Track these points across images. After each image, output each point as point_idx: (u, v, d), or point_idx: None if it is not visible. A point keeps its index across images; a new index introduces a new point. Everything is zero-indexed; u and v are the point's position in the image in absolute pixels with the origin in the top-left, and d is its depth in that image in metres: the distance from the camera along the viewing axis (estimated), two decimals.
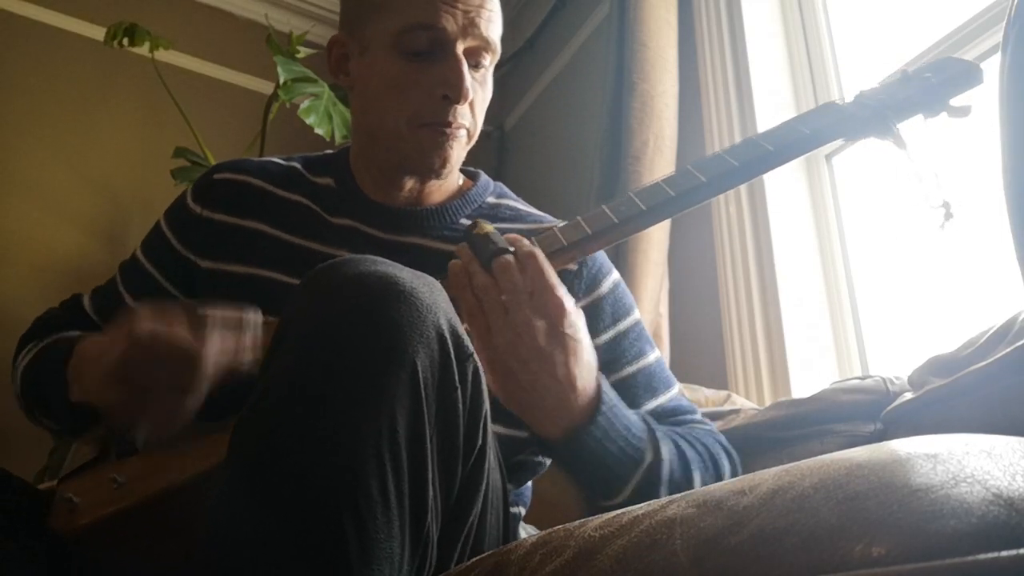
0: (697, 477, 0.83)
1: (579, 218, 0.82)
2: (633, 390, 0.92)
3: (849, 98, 0.87)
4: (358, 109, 0.95)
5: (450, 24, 0.86)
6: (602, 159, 1.88)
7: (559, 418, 0.74)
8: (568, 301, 0.74)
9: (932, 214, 0.82)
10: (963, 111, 0.84)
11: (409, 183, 0.96)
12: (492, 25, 0.90)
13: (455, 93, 0.87)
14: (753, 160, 0.82)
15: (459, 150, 0.92)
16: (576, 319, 0.74)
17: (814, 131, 0.83)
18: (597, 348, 0.91)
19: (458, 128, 0.89)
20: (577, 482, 0.79)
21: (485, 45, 0.89)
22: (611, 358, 0.93)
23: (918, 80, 0.85)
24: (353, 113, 0.98)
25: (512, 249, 0.75)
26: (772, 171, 0.84)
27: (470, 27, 0.87)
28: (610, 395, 0.78)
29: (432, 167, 0.91)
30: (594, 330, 0.91)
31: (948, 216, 0.81)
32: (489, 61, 0.92)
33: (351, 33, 0.93)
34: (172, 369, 0.71)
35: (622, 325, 0.95)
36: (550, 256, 0.78)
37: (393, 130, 0.90)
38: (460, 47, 0.87)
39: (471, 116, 0.91)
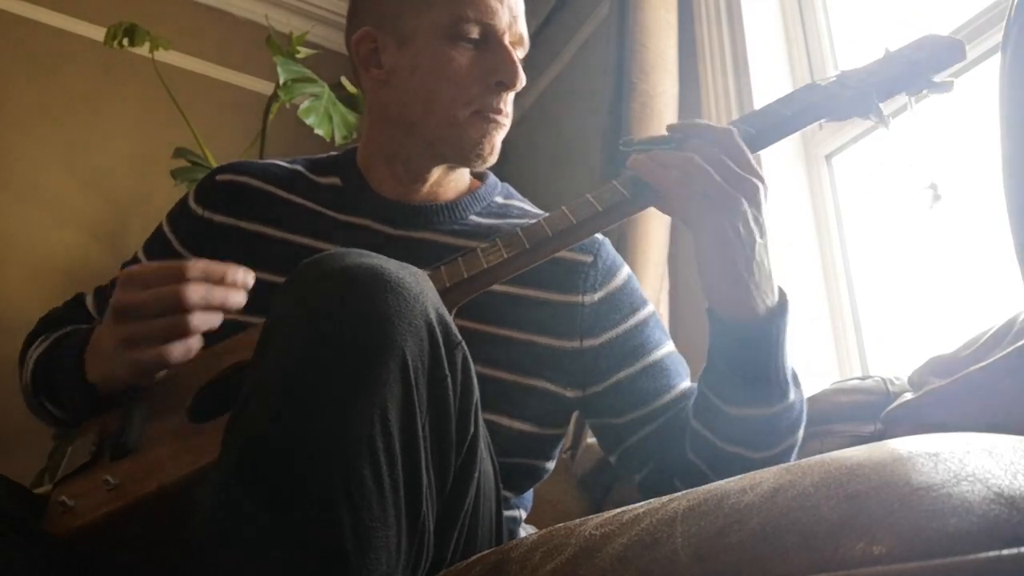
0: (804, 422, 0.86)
1: (563, 208, 0.83)
2: (667, 372, 0.93)
3: (832, 79, 0.87)
4: (394, 100, 0.95)
5: (500, 19, 0.91)
6: (602, 159, 1.88)
7: (759, 297, 0.76)
8: (759, 176, 0.76)
9: (919, 196, 0.82)
10: (945, 87, 0.84)
11: (435, 175, 0.97)
12: (524, 24, 0.95)
13: (510, 79, 0.91)
14: None
15: (501, 139, 0.95)
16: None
17: (796, 112, 0.83)
18: (619, 338, 0.92)
19: (505, 116, 0.94)
20: (751, 384, 0.79)
21: (520, 40, 0.94)
22: (638, 343, 0.93)
23: (900, 58, 0.85)
24: (379, 107, 0.97)
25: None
26: (756, 154, 0.84)
27: (513, 23, 0.92)
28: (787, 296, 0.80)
29: (481, 154, 0.93)
30: (613, 321, 0.92)
31: (936, 198, 0.81)
32: (521, 55, 0.96)
33: (382, 27, 0.94)
34: (160, 290, 0.75)
35: (642, 313, 0.95)
36: (538, 245, 0.79)
37: (445, 117, 0.91)
38: (507, 39, 0.92)
39: (512, 106, 0.95)
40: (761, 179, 0.75)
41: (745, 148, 0.76)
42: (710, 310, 0.80)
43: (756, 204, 0.75)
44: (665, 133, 0.78)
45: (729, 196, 0.73)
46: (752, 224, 0.74)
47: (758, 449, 0.80)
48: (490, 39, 0.91)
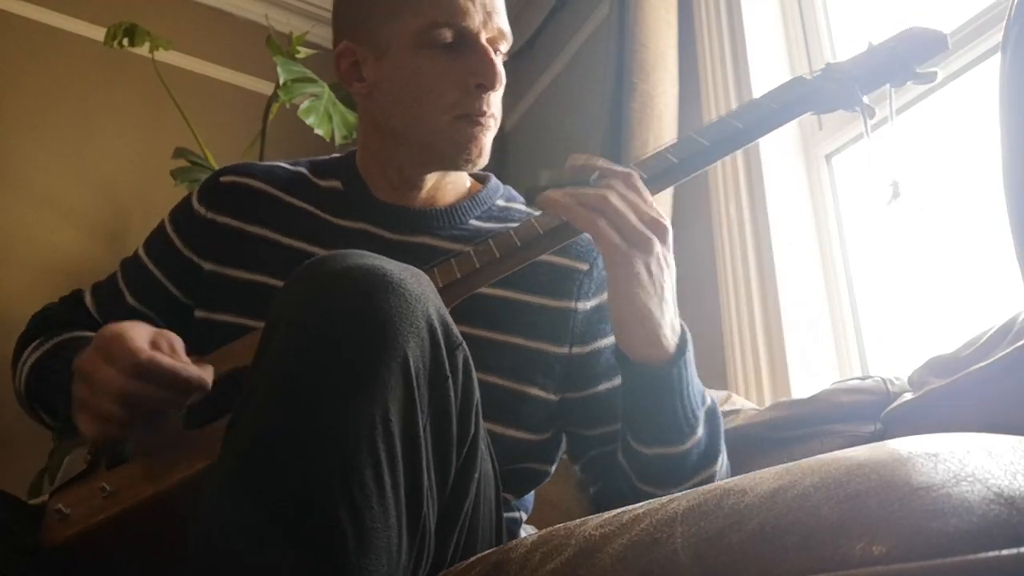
0: (724, 451, 0.85)
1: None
2: None
3: (818, 72, 0.87)
4: (379, 111, 0.95)
5: (472, 19, 0.89)
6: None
7: (657, 341, 0.77)
8: (666, 220, 0.77)
9: (879, 191, 0.82)
10: (929, 76, 0.84)
11: (430, 181, 0.97)
12: (504, 17, 0.93)
13: (489, 80, 0.89)
14: (725, 139, 0.82)
15: (490, 139, 0.94)
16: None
17: (783, 106, 0.83)
18: (606, 349, 0.92)
19: (491, 117, 0.92)
20: (653, 422, 0.80)
21: (501, 35, 0.92)
22: None
23: (884, 51, 0.86)
24: (369, 117, 0.98)
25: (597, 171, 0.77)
26: (743, 148, 0.86)
27: (488, 20, 0.90)
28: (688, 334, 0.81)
29: (469, 158, 0.92)
30: (602, 331, 0.92)
31: (895, 195, 0.81)
32: (505, 49, 0.94)
33: (359, 39, 0.93)
34: (170, 394, 0.73)
35: None
36: (529, 244, 0.80)
37: (429, 125, 0.90)
38: (483, 38, 0.90)
39: (499, 105, 0.93)
40: (665, 223, 0.77)
41: (645, 190, 0.77)
42: (618, 352, 0.81)
43: (667, 245, 0.77)
44: (559, 169, 0.79)
45: (644, 237, 0.75)
46: (663, 264, 0.76)
47: (666, 487, 0.81)
48: (466, 40, 0.89)
